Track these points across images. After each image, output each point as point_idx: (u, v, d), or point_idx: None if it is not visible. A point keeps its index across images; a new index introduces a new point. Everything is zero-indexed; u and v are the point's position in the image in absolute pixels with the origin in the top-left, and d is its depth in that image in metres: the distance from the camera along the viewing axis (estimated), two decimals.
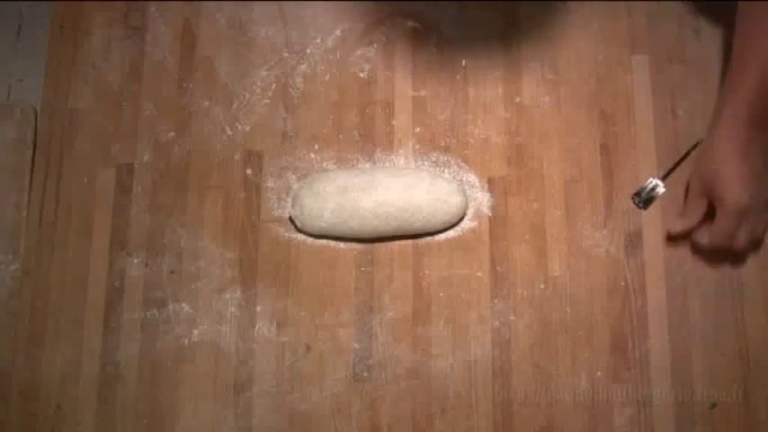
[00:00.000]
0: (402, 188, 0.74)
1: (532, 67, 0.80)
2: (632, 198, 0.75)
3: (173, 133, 0.80)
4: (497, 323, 0.75)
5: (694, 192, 0.70)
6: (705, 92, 0.79)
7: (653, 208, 0.76)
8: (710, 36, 0.80)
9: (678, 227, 0.72)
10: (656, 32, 0.81)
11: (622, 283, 0.75)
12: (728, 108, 0.63)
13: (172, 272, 0.77)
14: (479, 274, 0.76)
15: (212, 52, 0.82)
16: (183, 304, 0.76)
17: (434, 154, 0.79)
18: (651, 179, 0.75)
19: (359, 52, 0.81)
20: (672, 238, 0.74)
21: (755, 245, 0.72)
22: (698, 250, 0.73)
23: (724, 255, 0.72)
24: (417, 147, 0.79)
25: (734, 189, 0.63)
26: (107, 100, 0.81)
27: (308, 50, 0.82)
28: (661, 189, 0.74)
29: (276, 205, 0.78)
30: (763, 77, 0.59)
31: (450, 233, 0.77)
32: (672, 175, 0.74)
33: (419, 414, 0.73)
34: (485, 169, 0.78)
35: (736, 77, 0.62)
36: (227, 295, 0.76)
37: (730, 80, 0.64)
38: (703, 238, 0.71)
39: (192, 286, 0.76)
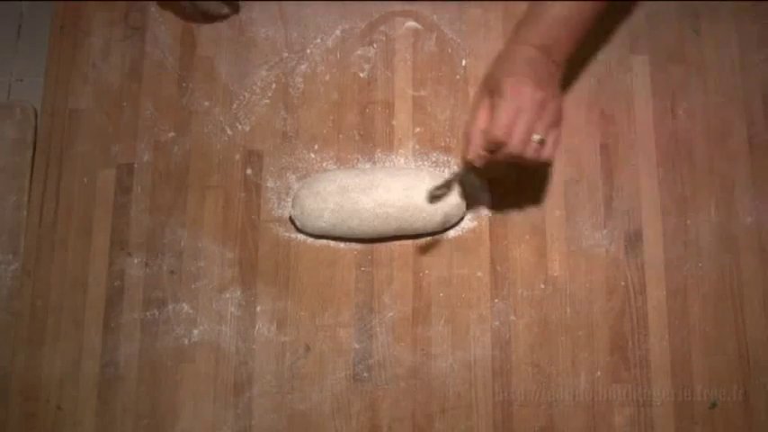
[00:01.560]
0: (402, 188, 0.74)
1: None
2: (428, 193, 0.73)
3: (173, 133, 0.80)
4: (497, 323, 0.75)
5: (481, 91, 0.71)
6: (705, 92, 0.79)
7: (654, 209, 0.77)
8: (710, 36, 0.80)
9: (470, 127, 0.70)
10: (656, 32, 0.81)
11: (622, 283, 0.75)
12: (524, 32, 0.70)
13: (172, 272, 0.77)
14: (479, 274, 0.76)
15: (212, 52, 0.82)
16: (183, 304, 0.76)
17: (434, 154, 0.79)
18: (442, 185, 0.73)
19: (359, 52, 0.81)
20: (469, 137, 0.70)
21: (535, 152, 0.68)
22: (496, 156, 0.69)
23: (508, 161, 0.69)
24: (417, 147, 0.79)
25: (513, 82, 0.66)
26: (107, 100, 0.81)
27: (308, 50, 0.82)
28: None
29: (276, 205, 0.78)
30: (553, 20, 0.69)
31: (451, 233, 0.77)
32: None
33: (419, 414, 0.73)
34: (485, 169, 0.78)
35: (536, 10, 0.70)
36: (227, 295, 0.76)
37: (532, 11, 0.71)
38: (485, 132, 0.69)
39: (192, 286, 0.76)
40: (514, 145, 0.66)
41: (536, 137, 0.66)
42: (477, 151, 0.67)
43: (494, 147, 0.66)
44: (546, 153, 0.68)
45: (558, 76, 0.70)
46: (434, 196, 0.72)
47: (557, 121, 0.68)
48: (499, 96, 0.66)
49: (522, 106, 0.66)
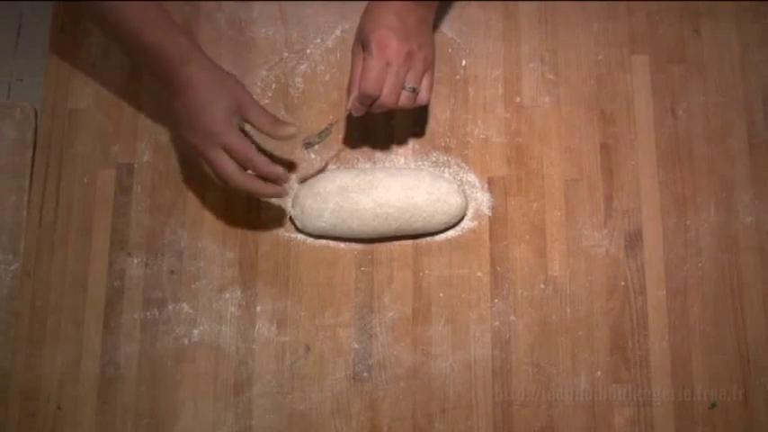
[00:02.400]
0: (402, 188, 0.74)
1: (532, 67, 0.80)
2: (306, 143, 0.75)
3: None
4: (497, 323, 0.75)
5: (356, 43, 0.72)
6: (705, 92, 0.79)
7: (654, 209, 0.76)
8: (710, 36, 0.80)
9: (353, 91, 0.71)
10: (656, 32, 0.81)
11: (622, 283, 0.75)
12: None
13: (172, 272, 0.77)
14: (479, 274, 0.76)
15: (212, 52, 0.81)
16: (183, 304, 0.76)
17: (434, 154, 0.79)
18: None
19: None
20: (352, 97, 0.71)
21: (408, 100, 0.71)
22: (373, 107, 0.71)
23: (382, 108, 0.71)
24: (417, 147, 0.79)
25: (378, 37, 0.68)
26: (107, 100, 0.81)
27: (308, 50, 0.82)
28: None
29: (276, 205, 0.78)
30: None
31: (450, 233, 0.77)
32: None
33: (419, 414, 0.73)
34: (485, 169, 0.78)
35: None
36: (227, 295, 0.76)
37: None
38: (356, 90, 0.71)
39: (192, 286, 0.76)
40: (386, 97, 0.69)
41: (408, 86, 0.69)
42: (354, 104, 0.70)
43: (367, 101, 0.69)
44: (420, 99, 0.72)
45: (429, 20, 0.72)
46: (309, 144, 0.75)
47: (427, 67, 0.71)
48: (367, 52, 0.69)
49: (390, 60, 0.68)
